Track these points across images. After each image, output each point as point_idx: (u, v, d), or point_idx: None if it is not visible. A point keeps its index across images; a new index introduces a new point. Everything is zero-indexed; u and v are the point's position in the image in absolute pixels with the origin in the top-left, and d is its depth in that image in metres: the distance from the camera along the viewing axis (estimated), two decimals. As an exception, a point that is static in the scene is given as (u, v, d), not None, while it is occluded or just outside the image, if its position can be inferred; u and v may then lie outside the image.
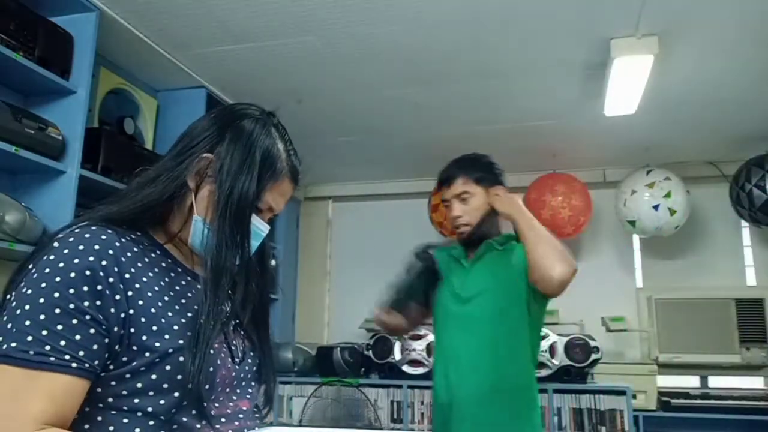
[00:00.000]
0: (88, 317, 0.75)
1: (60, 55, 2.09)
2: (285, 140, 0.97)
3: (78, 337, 0.74)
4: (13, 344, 0.72)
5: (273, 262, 3.63)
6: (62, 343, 0.73)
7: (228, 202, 0.88)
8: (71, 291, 0.75)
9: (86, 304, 0.75)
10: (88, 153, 2.17)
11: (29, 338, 0.72)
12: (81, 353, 0.74)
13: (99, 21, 2.20)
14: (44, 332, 0.73)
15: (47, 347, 0.72)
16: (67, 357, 0.73)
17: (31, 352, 0.71)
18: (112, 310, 0.78)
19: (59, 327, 0.73)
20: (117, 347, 0.78)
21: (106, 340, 0.77)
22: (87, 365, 0.75)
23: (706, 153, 3.82)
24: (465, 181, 1.87)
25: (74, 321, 0.74)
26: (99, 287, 0.77)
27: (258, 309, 0.99)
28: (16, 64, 1.92)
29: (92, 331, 0.75)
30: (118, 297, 0.78)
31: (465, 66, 2.72)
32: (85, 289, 0.76)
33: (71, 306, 0.74)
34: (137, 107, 2.71)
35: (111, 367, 0.78)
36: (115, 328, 0.78)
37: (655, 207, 3.52)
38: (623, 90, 2.72)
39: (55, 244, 0.79)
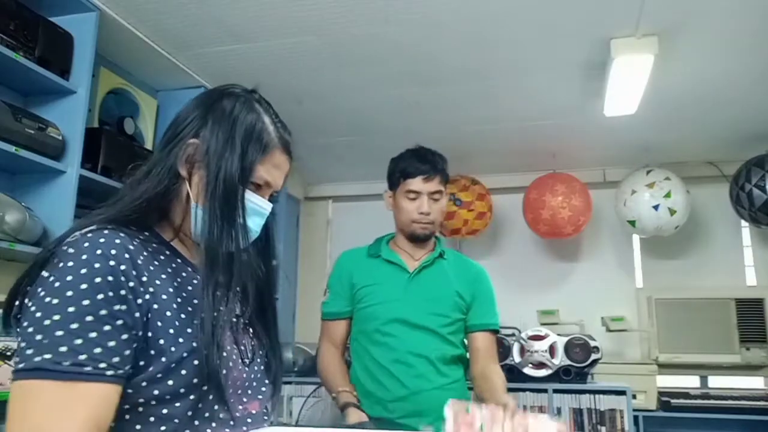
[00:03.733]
0: (119, 322, 0.74)
1: (60, 55, 2.08)
2: (270, 113, 0.95)
3: (112, 343, 0.73)
4: (47, 356, 0.70)
5: (273, 262, 3.63)
6: (97, 350, 0.72)
7: (216, 182, 0.87)
8: (100, 297, 0.74)
9: (116, 308, 0.75)
10: (88, 153, 2.17)
11: (63, 349, 0.70)
12: (115, 359, 0.73)
13: (99, 21, 2.20)
14: (78, 341, 0.71)
15: (82, 356, 0.71)
16: (102, 365, 0.72)
17: (66, 363, 0.70)
18: (137, 314, 0.77)
19: (93, 335, 0.72)
20: (138, 352, 0.77)
21: (135, 344, 0.76)
22: (121, 372, 0.74)
23: (706, 153, 3.82)
24: (441, 181, 1.82)
25: (107, 327, 0.73)
26: (123, 292, 0.76)
27: (266, 306, 0.98)
28: (16, 64, 1.92)
29: (124, 336, 0.75)
30: (139, 301, 0.78)
31: (465, 66, 2.72)
32: (112, 294, 0.75)
33: (102, 312, 0.73)
34: (137, 107, 2.71)
35: (131, 372, 0.77)
36: (140, 332, 0.77)
37: (655, 207, 3.52)
38: (623, 90, 2.72)
39: (70, 249, 0.77)
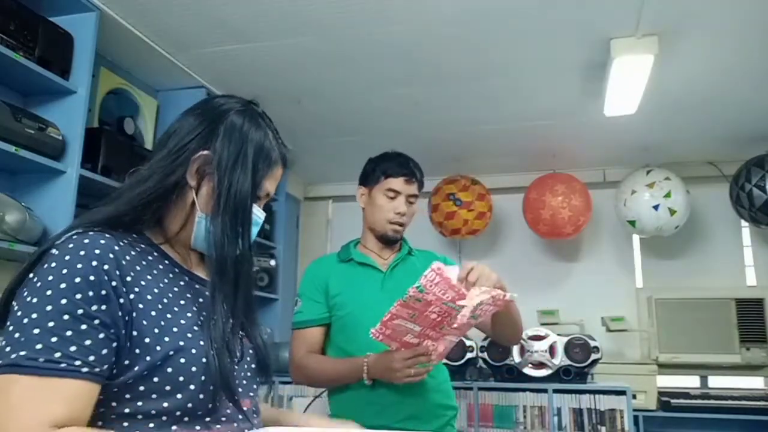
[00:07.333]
0: (96, 321, 0.76)
1: (60, 55, 2.08)
2: (272, 129, 1.00)
3: (88, 342, 0.75)
4: (23, 353, 0.72)
5: (273, 262, 3.63)
6: (72, 348, 0.73)
7: (228, 196, 0.90)
8: (78, 296, 0.75)
9: (94, 308, 0.76)
10: (88, 153, 2.17)
11: (38, 346, 0.72)
12: (91, 358, 0.75)
13: (99, 21, 2.20)
14: (54, 339, 0.73)
15: (57, 354, 0.72)
16: (77, 362, 0.73)
17: (41, 360, 0.71)
18: (119, 313, 0.78)
19: (68, 333, 0.74)
20: (121, 350, 0.78)
21: (115, 344, 0.77)
22: (97, 369, 0.75)
23: (706, 153, 3.82)
24: (418, 187, 1.86)
25: (83, 326, 0.75)
26: (104, 292, 0.77)
27: (248, 306, 0.99)
28: (16, 64, 1.92)
29: (101, 335, 0.76)
30: (122, 300, 0.79)
31: (465, 66, 2.72)
32: (91, 293, 0.76)
33: (80, 311, 0.75)
34: (137, 107, 2.71)
35: (114, 371, 0.78)
36: (123, 331, 0.78)
37: (655, 207, 3.52)
38: (623, 90, 2.72)
39: (54, 251, 0.79)
